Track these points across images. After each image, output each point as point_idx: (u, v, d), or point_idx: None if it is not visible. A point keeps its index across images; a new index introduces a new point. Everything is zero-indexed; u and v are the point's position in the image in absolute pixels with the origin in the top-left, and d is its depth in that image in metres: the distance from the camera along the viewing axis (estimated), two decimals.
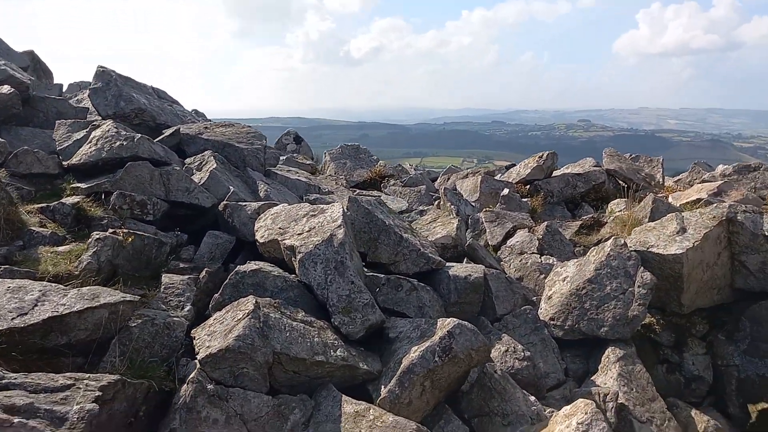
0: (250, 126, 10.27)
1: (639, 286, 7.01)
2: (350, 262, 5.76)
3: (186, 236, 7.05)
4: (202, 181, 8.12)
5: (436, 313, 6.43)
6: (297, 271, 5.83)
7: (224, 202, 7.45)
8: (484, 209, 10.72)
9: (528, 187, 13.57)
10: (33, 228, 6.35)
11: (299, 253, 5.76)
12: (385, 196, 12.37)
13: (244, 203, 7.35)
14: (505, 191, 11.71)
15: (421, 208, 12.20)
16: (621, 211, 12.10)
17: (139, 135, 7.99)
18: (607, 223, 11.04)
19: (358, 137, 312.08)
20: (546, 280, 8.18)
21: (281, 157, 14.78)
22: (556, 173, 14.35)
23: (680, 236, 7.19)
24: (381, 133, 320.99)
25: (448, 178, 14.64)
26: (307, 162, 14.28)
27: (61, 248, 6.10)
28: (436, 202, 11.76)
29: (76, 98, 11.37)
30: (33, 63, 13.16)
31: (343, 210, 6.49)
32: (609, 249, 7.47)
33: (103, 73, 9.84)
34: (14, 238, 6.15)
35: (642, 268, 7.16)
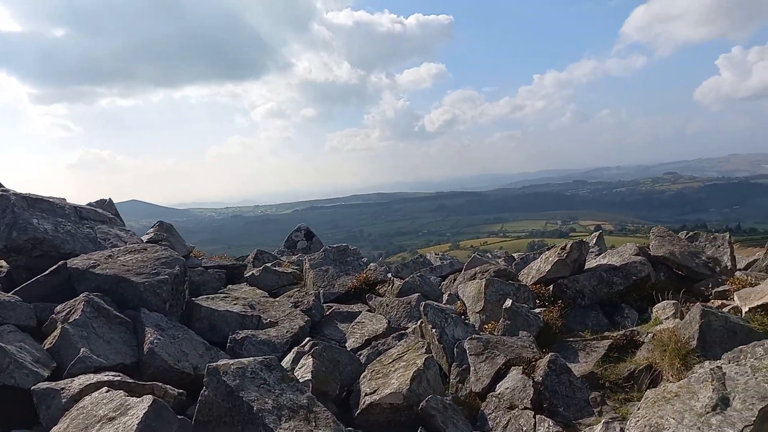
0: (170, 250, 8.37)
1: None
2: None
3: None
4: (52, 343, 6.14)
5: None
6: None
7: (34, 387, 5.37)
8: (469, 337, 8.08)
9: (551, 287, 10.80)
10: None
11: None
12: (365, 313, 10.00)
13: (60, 388, 5.23)
14: (508, 302, 9.04)
15: (407, 328, 9.74)
16: (668, 317, 9.09)
17: None
18: (644, 343, 8.11)
19: (435, 207, 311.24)
20: None
21: (264, 266, 12.80)
22: (588, 264, 11.51)
23: (717, 416, 4.37)
24: (459, 201, 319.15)
25: (454, 279, 12.07)
26: (288, 271, 12.20)
27: None
28: (419, 322, 9.24)
29: None
30: None
31: (146, 413, 4.23)
32: None
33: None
34: None
35: None
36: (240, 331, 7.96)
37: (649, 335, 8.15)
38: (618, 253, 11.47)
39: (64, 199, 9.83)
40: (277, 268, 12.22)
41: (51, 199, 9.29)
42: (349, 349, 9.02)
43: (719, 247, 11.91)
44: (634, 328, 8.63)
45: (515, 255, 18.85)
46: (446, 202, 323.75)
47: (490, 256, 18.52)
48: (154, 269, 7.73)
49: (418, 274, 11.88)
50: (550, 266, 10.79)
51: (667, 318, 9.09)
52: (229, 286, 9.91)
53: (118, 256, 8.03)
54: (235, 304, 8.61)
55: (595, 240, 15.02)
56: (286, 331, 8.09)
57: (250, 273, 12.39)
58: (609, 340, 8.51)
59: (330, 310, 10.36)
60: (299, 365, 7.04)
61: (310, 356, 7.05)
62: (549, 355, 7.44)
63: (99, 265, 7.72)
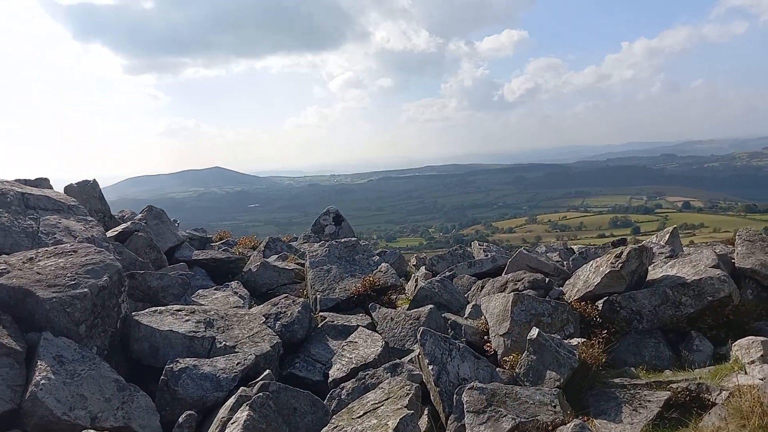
0: (104, 254, 6.81)
1: None
2: None
3: None
4: None
5: None
6: None
7: None
8: (469, 386, 6.07)
9: (601, 304, 8.55)
10: None
11: None
12: (362, 329, 8.17)
13: None
14: (534, 332, 6.94)
15: (410, 350, 7.87)
16: (754, 362, 6.72)
17: None
18: (715, 404, 5.86)
19: (512, 180, 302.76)
20: None
21: (270, 258, 11.21)
22: (652, 275, 9.14)
23: None
24: (538, 174, 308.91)
25: (482, 287, 9.95)
26: (290, 267, 10.51)
27: None
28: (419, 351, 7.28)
29: None
30: None
31: None
32: None
33: None
34: None
35: None
36: (180, 360, 6.35)
37: (723, 394, 5.88)
38: (691, 263, 9.00)
39: (14, 183, 8.51)
40: (277, 264, 10.57)
41: None
42: (331, 378, 7.28)
43: None
44: (701, 380, 6.32)
45: (575, 248, 16.44)
46: (524, 175, 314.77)
47: (544, 248, 16.21)
48: (74, 279, 6.21)
49: (438, 279, 9.88)
50: (600, 278, 8.53)
51: (753, 362, 6.73)
52: (199, 291, 8.34)
53: (38, 260, 6.57)
54: (187, 320, 7.00)
55: (667, 237, 12.45)
56: (237, 363, 6.40)
57: (248, 268, 10.84)
58: (666, 392, 6.29)
59: (323, 322, 8.62)
60: (233, 420, 5.35)
61: (247, 408, 5.33)
62: (574, 424, 5.36)
63: (9, 271, 6.27)
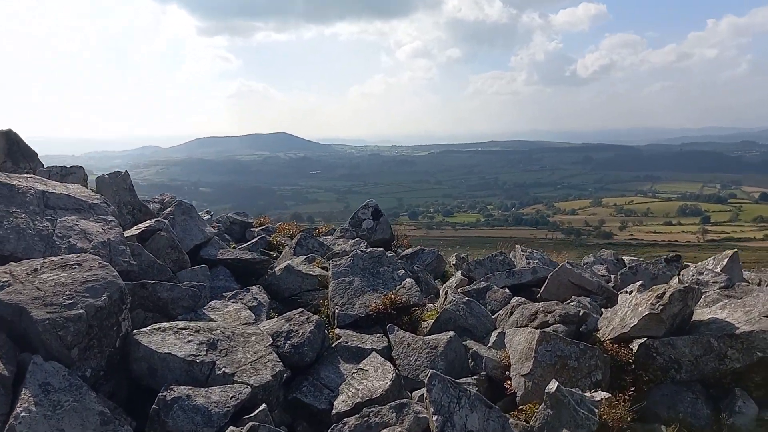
0: (107, 269, 6.64)
1: None
2: None
3: None
4: None
5: None
6: None
7: None
8: None
9: (636, 347, 7.84)
10: None
11: None
12: (375, 355, 7.78)
13: None
14: (553, 386, 6.37)
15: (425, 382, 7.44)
16: None
17: None
18: None
19: (580, 159, 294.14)
20: None
21: (297, 260, 10.97)
22: (699, 315, 8.31)
23: None
24: (607, 155, 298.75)
25: (511, 313, 9.29)
26: (315, 273, 10.19)
27: None
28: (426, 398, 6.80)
29: None
30: (8, 145, 11.20)
31: None
32: None
33: None
34: None
35: None
36: (174, 388, 6.13)
37: None
38: (744, 306, 8.11)
39: (36, 179, 8.47)
40: (302, 268, 10.27)
41: (11, 182, 7.93)
42: (334, 411, 6.95)
43: None
44: None
45: (626, 259, 15.47)
46: (593, 155, 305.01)
47: (592, 258, 15.32)
48: (71, 298, 6.05)
49: (464, 301, 9.31)
50: (637, 320, 7.80)
51: None
52: (212, 303, 8.12)
53: (42, 272, 6.45)
54: (189, 340, 6.78)
55: (725, 262, 11.42)
56: (232, 396, 6.14)
57: (274, 269, 10.62)
58: None
59: (338, 341, 8.28)
60: None
61: None
62: None
63: (11, 284, 6.18)
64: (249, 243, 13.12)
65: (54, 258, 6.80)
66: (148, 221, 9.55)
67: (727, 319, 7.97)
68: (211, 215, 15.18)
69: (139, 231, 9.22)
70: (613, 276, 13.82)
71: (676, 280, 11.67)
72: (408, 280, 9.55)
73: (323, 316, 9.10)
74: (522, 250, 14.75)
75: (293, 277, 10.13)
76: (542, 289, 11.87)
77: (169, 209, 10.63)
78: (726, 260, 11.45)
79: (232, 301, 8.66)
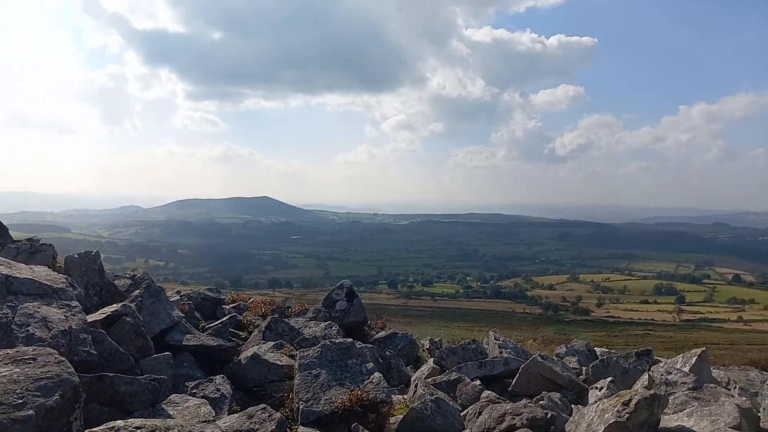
0: (61, 366, 6.46)
1: None
2: None
3: None
4: None
5: None
6: None
7: None
8: None
9: None
10: None
11: None
12: None
13: None
14: None
15: None
16: None
17: None
18: None
19: (557, 235, 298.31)
20: None
21: (264, 347, 10.80)
22: (666, 422, 8.25)
23: None
24: (584, 232, 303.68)
25: (479, 413, 9.13)
26: (282, 363, 10.00)
27: None
28: None
29: None
30: None
31: None
32: None
33: None
34: None
35: None
36: None
37: None
38: (710, 415, 8.07)
39: (3, 261, 8.35)
40: (268, 357, 10.09)
41: None
42: None
43: None
44: None
45: (597, 351, 15.44)
46: (570, 231, 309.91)
47: (564, 349, 15.25)
48: (21, 398, 5.84)
49: (432, 398, 9.18)
50: (603, 427, 7.70)
51: None
52: (171, 397, 7.88)
53: None
54: None
55: (693, 361, 11.42)
56: None
57: (240, 357, 10.42)
58: None
59: None
60: None
61: None
62: None
63: None
64: (219, 322, 12.91)
65: (9, 351, 6.60)
66: (114, 305, 9.38)
67: (693, 429, 7.91)
68: (181, 295, 14.95)
69: (104, 316, 9.04)
70: (584, 368, 13.75)
71: (646, 376, 11.63)
72: (376, 374, 9.40)
73: (287, 410, 8.87)
74: (495, 338, 14.68)
75: (259, 367, 9.93)
76: (514, 381, 11.76)
77: (137, 291, 10.48)
78: (695, 359, 11.46)
79: (194, 391, 8.43)
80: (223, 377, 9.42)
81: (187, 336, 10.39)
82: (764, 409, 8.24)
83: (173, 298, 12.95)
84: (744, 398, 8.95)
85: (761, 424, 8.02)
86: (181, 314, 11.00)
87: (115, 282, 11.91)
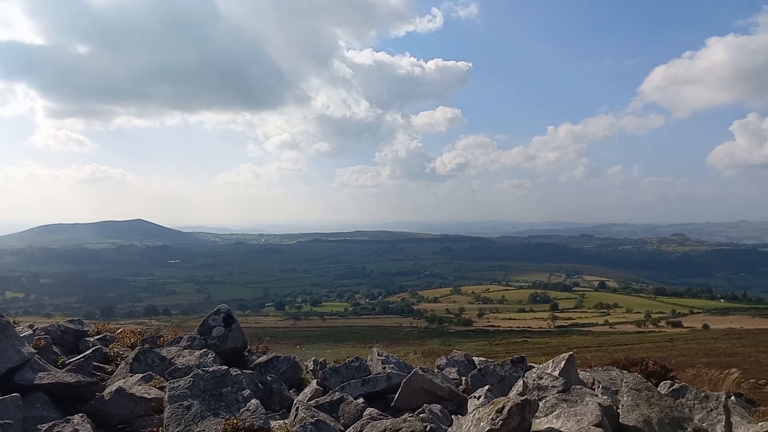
0: None
1: None
2: None
3: None
4: None
5: None
6: None
7: None
8: None
9: None
10: None
11: None
12: None
13: None
14: None
15: None
16: None
17: None
18: None
19: (440, 250, 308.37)
20: None
21: (132, 379, 10.01)
22: (538, 425, 8.59)
23: None
24: (464, 245, 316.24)
25: (360, 431, 9.08)
26: (150, 396, 9.35)
27: None
28: None
29: None
30: None
31: None
32: None
33: None
34: None
35: None
36: None
37: None
38: (576, 415, 8.51)
39: None
40: (135, 390, 9.37)
41: None
42: None
43: (711, 411, 8.99)
44: None
45: (476, 360, 15.93)
46: (451, 246, 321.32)
47: (444, 360, 15.54)
48: None
49: (312, 421, 8.97)
50: None
51: None
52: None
53: None
54: None
55: (562, 365, 12.08)
56: None
57: (103, 392, 9.59)
58: None
59: None
60: None
61: None
62: None
63: None
64: (81, 356, 11.83)
65: None
66: None
67: (561, 429, 8.31)
68: (35, 330, 13.61)
69: None
70: (464, 378, 14.08)
71: (521, 382, 12.13)
72: (253, 401, 9.01)
73: None
74: (378, 354, 14.68)
75: (125, 401, 9.18)
76: (396, 396, 11.79)
77: None
78: (563, 363, 12.13)
79: None
80: (82, 416, 8.60)
81: (41, 374, 9.41)
82: (623, 405, 8.80)
83: (25, 333, 11.73)
84: (606, 397, 9.54)
85: (621, 420, 8.55)
86: (34, 350, 9.98)
87: None
